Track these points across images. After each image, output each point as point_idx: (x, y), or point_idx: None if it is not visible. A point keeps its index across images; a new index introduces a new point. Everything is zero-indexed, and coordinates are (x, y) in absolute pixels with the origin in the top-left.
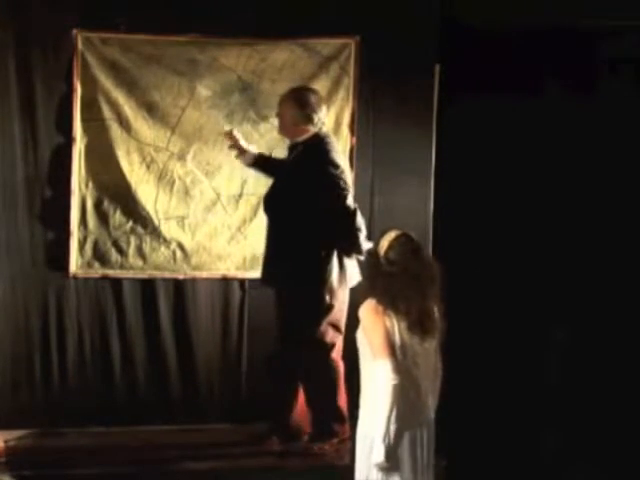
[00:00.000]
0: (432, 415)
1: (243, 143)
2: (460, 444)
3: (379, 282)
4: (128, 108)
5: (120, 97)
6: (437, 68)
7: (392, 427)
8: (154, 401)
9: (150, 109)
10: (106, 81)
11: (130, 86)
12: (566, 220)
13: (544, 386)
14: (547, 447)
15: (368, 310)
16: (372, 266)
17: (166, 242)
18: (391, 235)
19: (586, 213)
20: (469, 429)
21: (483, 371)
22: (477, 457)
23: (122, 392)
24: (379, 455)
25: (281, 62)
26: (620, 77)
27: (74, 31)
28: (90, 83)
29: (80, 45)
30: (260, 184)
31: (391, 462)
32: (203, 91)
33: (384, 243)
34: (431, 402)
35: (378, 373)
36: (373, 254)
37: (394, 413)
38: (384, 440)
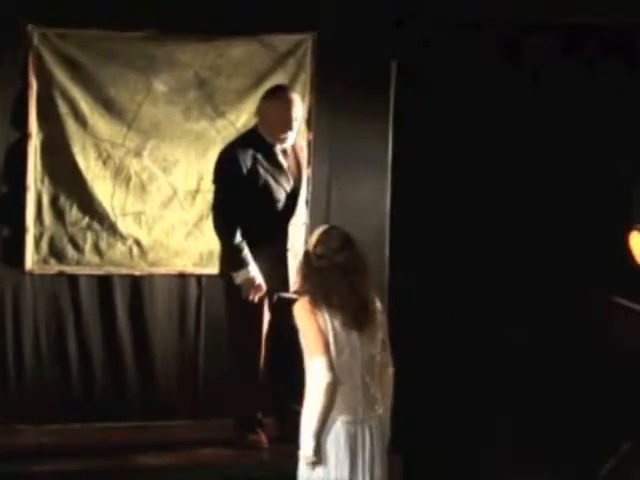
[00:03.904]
0: (381, 411)
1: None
2: (417, 441)
3: (310, 278)
4: (84, 104)
5: (76, 93)
6: (394, 64)
7: (323, 423)
8: (111, 398)
9: (106, 105)
10: (62, 77)
11: (86, 82)
12: (524, 212)
13: (500, 384)
14: (503, 444)
15: (300, 308)
16: (304, 263)
17: (123, 238)
18: (319, 230)
19: (546, 206)
20: (426, 426)
21: (439, 368)
22: (434, 454)
23: (79, 389)
24: (307, 449)
25: (238, 58)
26: (571, 67)
27: (29, 27)
28: (46, 79)
29: (35, 41)
30: None
31: (318, 457)
32: (160, 87)
33: (313, 239)
34: (378, 398)
35: (312, 370)
36: (305, 251)
37: (326, 409)
38: (314, 435)
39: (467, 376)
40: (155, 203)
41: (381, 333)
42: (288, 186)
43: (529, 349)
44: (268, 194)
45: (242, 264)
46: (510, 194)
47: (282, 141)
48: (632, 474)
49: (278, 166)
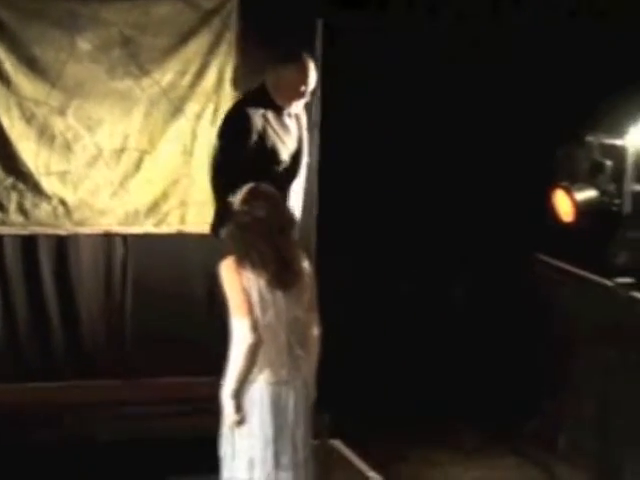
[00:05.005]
0: (306, 372)
1: None
2: (344, 398)
3: (235, 237)
4: (8, 63)
5: (0, 52)
6: (320, 22)
7: (243, 382)
8: (37, 358)
9: (31, 64)
10: None
11: (10, 41)
12: (453, 173)
13: (429, 343)
14: (433, 402)
15: (225, 267)
16: (230, 222)
17: (48, 198)
18: (245, 189)
19: (474, 168)
20: (352, 384)
21: (365, 326)
22: (360, 411)
23: (5, 350)
24: (228, 408)
25: (163, 16)
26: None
27: None
28: None
29: None
30: (142, 139)
31: (240, 416)
32: (84, 45)
33: (238, 197)
34: (303, 359)
35: (236, 331)
36: (232, 211)
37: (247, 369)
38: (233, 395)
39: (396, 335)
40: (80, 162)
41: (308, 294)
42: (293, 149)
43: (461, 309)
44: (274, 156)
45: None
46: (439, 156)
47: (293, 107)
48: (552, 431)
49: (285, 128)
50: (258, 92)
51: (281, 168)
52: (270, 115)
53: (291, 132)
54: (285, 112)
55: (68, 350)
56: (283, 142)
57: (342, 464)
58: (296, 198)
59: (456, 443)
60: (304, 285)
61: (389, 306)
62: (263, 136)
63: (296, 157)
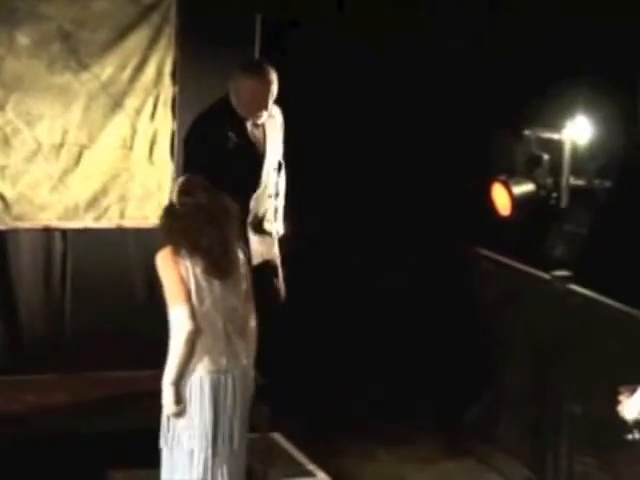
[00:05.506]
0: (244, 362)
1: None
2: (283, 391)
3: (174, 228)
4: None
5: None
6: (259, 18)
7: (181, 371)
8: None
9: None
10: None
11: None
12: (389, 172)
13: (373, 332)
14: (375, 393)
15: (162, 257)
16: (166, 216)
17: None
18: (179, 181)
19: (413, 166)
20: (293, 377)
21: (306, 316)
22: (300, 404)
23: None
24: (167, 398)
25: (102, 11)
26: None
27: None
28: None
29: None
30: (82, 134)
31: (180, 406)
32: (23, 40)
33: (175, 190)
34: (242, 349)
35: (174, 320)
36: (167, 206)
37: (185, 358)
38: (172, 384)
39: (339, 329)
40: (19, 157)
41: (245, 284)
42: (254, 160)
43: (395, 301)
44: (232, 169)
45: None
46: (375, 154)
47: (256, 118)
48: (490, 422)
49: (247, 141)
50: (221, 104)
51: (241, 181)
52: (231, 130)
53: (254, 145)
54: (249, 123)
55: (7, 345)
56: (244, 156)
57: (282, 457)
58: (259, 206)
59: (397, 437)
60: (240, 275)
61: (331, 301)
62: (221, 152)
63: (257, 168)
